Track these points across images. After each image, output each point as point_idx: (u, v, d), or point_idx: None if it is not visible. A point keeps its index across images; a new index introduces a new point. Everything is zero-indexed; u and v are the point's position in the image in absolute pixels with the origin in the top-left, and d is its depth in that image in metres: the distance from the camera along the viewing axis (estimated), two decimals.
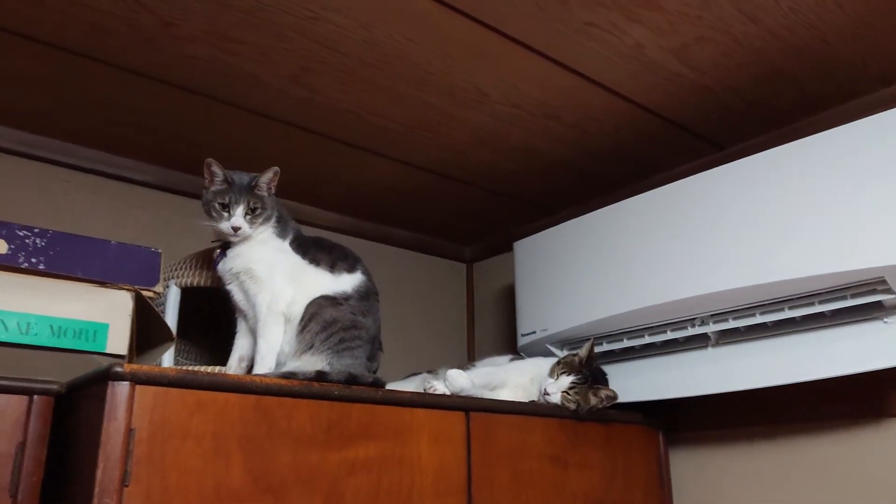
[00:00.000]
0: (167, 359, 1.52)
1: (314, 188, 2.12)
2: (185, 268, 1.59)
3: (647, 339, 1.73)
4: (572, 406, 1.57)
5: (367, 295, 1.44)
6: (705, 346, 1.66)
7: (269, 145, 1.85)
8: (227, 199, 1.37)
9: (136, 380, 1.02)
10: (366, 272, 1.47)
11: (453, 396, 1.45)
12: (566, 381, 1.57)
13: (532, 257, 1.99)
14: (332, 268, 1.43)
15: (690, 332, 1.65)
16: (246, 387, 1.15)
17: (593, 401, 1.58)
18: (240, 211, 1.37)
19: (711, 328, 1.62)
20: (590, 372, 1.60)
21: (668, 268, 1.63)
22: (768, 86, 1.60)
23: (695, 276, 1.58)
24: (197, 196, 1.52)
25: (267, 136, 1.80)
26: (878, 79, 1.57)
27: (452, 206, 2.26)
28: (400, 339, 2.28)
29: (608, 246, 1.78)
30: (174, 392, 1.07)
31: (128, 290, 1.28)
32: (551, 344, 1.90)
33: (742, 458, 1.75)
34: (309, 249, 1.45)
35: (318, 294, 1.38)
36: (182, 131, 1.78)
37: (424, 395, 1.38)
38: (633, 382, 1.76)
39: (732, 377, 1.59)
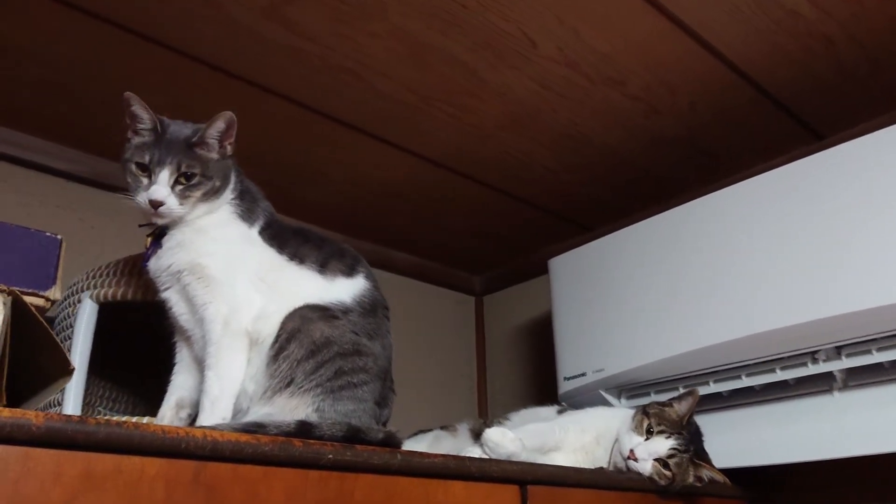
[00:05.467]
0: (71, 406, 1.03)
1: (290, 188, 1.64)
2: (106, 275, 1.11)
3: (745, 382, 1.30)
4: (663, 482, 1.09)
5: (373, 308, 0.97)
6: (829, 391, 1.24)
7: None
8: (147, 158, 0.90)
9: None
10: (370, 277, 1.01)
11: (503, 463, 0.96)
12: (664, 445, 1.10)
13: (575, 278, 1.55)
14: (323, 267, 0.97)
15: (811, 370, 1.21)
16: (178, 447, 0.66)
17: (690, 479, 1.11)
18: (164, 176, 0.90)
19: (842, 363, 1.18)
20: (690, 435, 1.13)
21: (778, 281, 1.21)
22: None
23: (821, 290, 1.15)
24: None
25: (225, 100, 1.31)
26: None
27: (465, 221, 1.81)
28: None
29: (688, 255, 1.35)
30: (42, 456, 0.60)
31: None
32: (607, 390, 1.44)
33: None
34: (289, 241, 0.98)
35: (301, 303, 0.91)
36: (104, 94, 1.29)
37: (462, 459, 0.90)
38: (722, 441, 1.30)
39: (868, 435, 1.17)
